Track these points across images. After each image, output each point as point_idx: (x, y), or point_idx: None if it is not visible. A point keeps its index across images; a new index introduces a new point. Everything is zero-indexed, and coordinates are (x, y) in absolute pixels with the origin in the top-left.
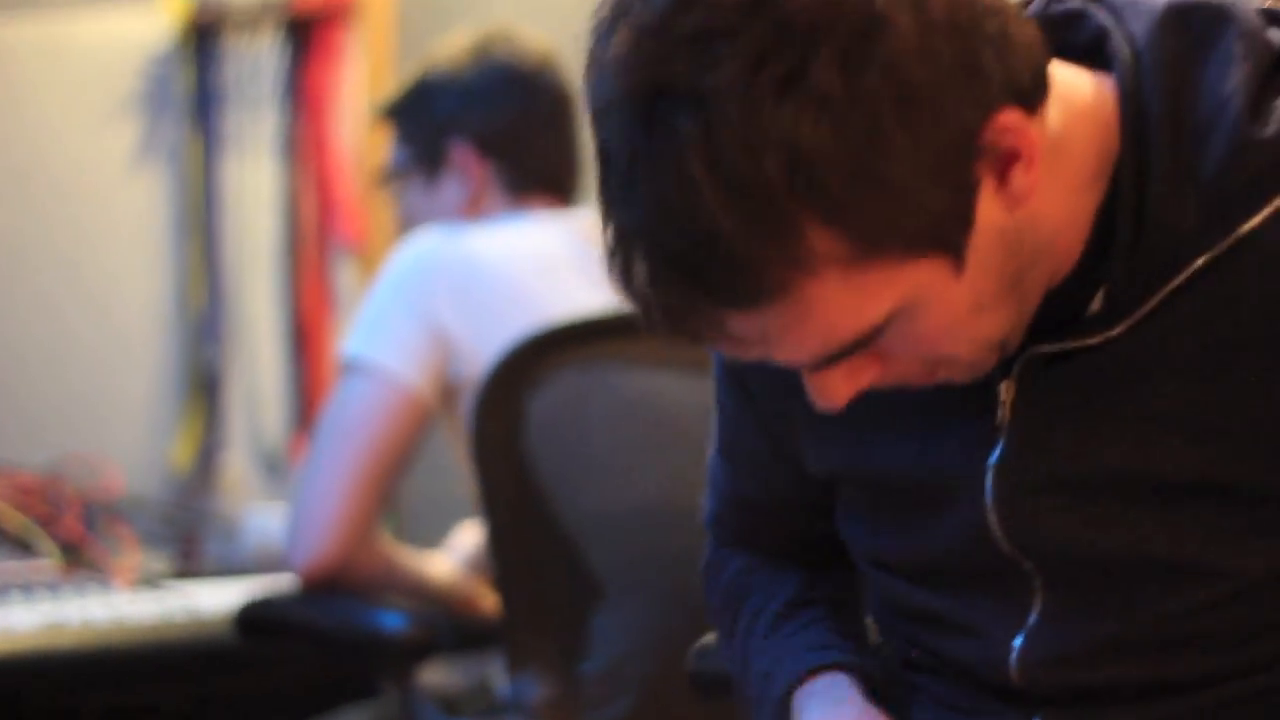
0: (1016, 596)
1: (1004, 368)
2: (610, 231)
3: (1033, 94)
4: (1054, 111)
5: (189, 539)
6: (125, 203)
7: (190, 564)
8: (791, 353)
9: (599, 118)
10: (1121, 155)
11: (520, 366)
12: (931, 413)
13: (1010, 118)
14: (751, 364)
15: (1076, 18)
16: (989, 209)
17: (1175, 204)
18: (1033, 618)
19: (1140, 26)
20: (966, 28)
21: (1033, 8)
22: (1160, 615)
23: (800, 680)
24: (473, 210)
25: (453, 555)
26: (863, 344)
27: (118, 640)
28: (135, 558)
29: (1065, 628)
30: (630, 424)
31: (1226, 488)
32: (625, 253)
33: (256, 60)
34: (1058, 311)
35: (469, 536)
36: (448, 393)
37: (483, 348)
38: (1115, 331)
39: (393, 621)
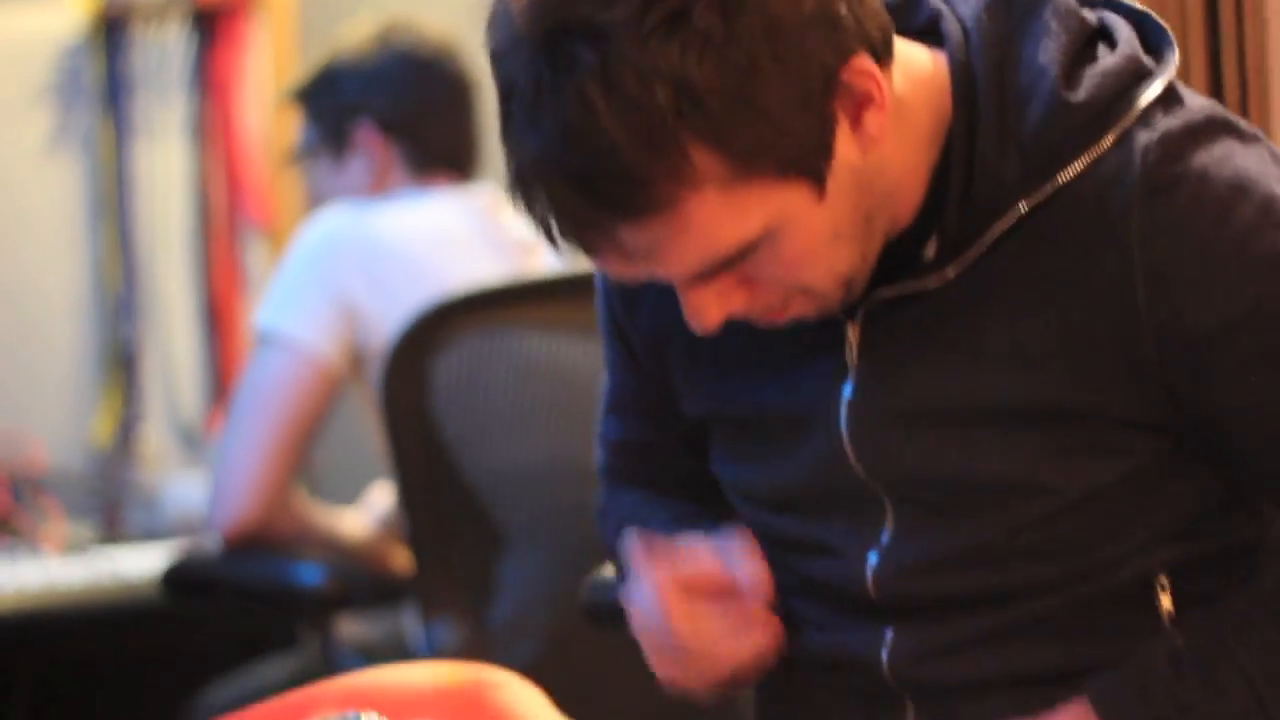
0: (870, 518)
1: (850, 312)
2: (515, 162)
3: (883, 51)
4: (898, 77)
5: (112, 508)
6: (41, 189)
7: (114, 531)
8: (674, 266)
9: (504, 57)
10: (954, 119)
11: (424, 333)
12: (790, 355)
13: (864, 63)
14: (632, 322)
15: (914, 3)
16: (846, 147)
17: (1000, 159)
18: (885, 536)
19: (968, 9)
20: None
21: None
22: (996, 530)
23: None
24: (378, 188)
25: (366, 514)
26: (737, 258)
27: (49, 603)
28: (62, 527)
29: (913, 544)
30: (528, 385)
31: (1051, 412)
32: (528, 180)
33: (164, 50)
34: (897, 260)
35: (381, 496)
36: (356, 361)
37: (389, 317)
38: (948, 274)
39: (311, 575)
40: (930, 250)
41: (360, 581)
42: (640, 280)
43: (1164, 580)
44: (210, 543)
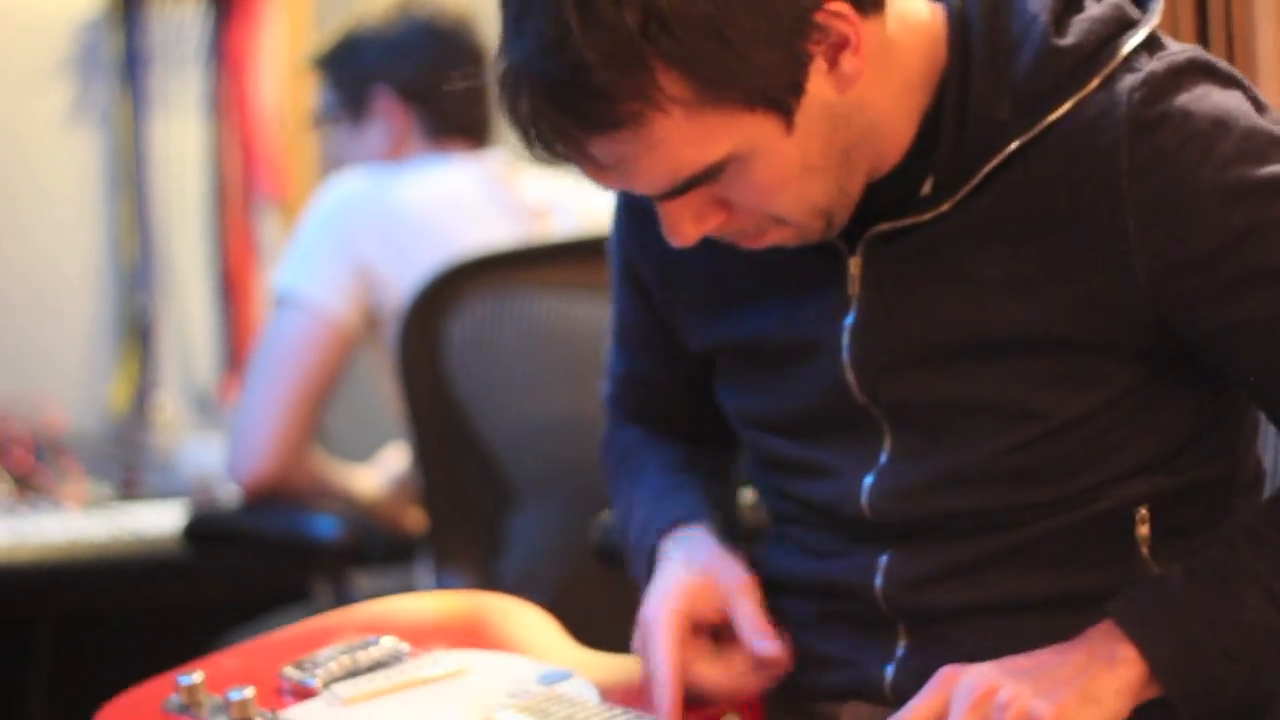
0: (868, 440)
1: (852, 245)
2: (501, 69)
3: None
4: (893, 24)
5: (129, 469)
6: (60, 162)
7: (131, 491)
8: (642, 181)
9: None
10: (949, 65)
11: (439, 294)
12: (794, 287)
13: (840, 6)
14: (644, 256)
15: None
16: (820, 85)
17: (992, 100)
18: (882, 458)
19: None
20: None
21: None
22: (989, 452)
23: (671, 526)
24: (395, 154)
25: (380, 474)
26: (703, 178)
27: (71, 556)
28: (82, 485)
29: (909, 466)
30: (539, 344)
31: (1043, 340)
32: (513, 85)
33: (182, 25)
34: (893, 198)
35: (395, 457)
36: (372, 322)
37: (403, 279)
38: (944, 208)
39: (326, 527)
40: (927, 187)
41: (374, 536)
42: (615, 189)
43: (1143, 511)
44: (225, 499)
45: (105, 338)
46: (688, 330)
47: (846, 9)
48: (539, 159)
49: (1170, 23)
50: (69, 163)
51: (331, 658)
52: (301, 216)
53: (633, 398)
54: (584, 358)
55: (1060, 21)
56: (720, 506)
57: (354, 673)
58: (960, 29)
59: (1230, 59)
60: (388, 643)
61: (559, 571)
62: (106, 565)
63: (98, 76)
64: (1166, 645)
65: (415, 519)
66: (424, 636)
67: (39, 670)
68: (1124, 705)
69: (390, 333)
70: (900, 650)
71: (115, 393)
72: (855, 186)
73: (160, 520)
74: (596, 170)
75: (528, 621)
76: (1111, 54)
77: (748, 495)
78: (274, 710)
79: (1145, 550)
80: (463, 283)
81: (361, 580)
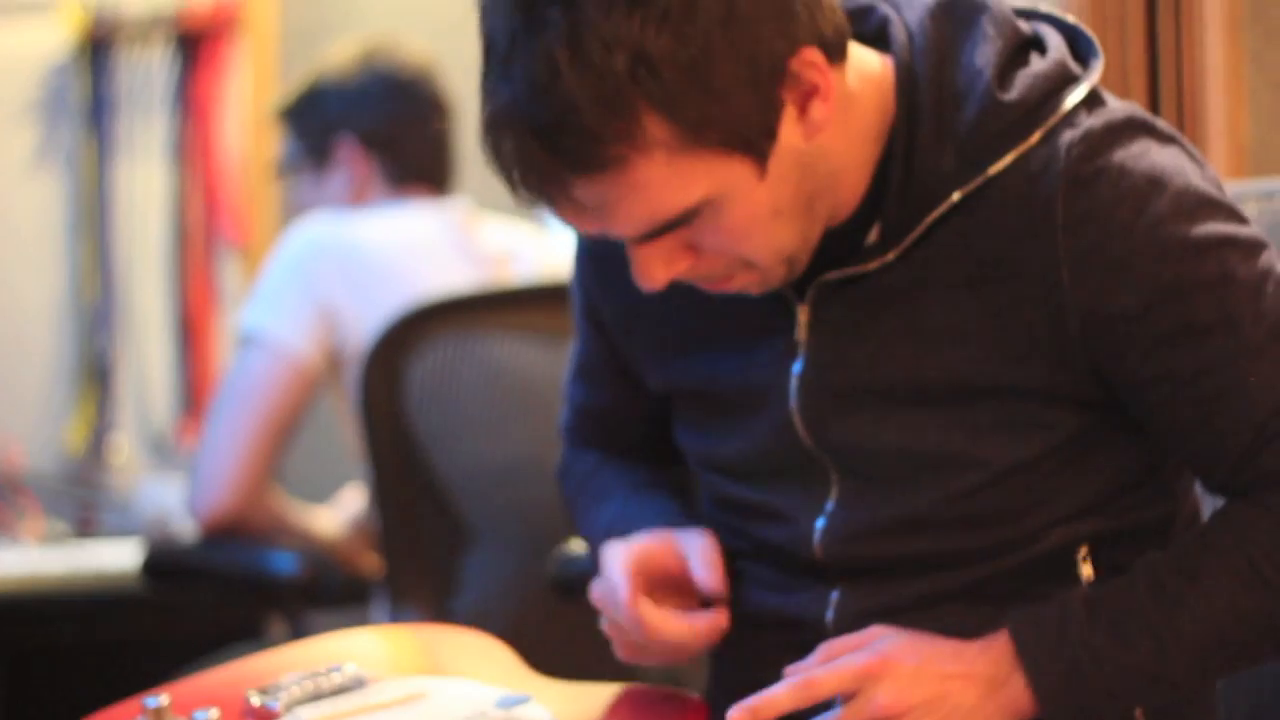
0: (817, 485)
1: (801, 293)
2: (487, 112)
3: (835, 47)
4: (851, 76)
5: (86, 507)
6: (24, 203)
7: (89, 529)
8: (622, 223)
9: (487, 12)
10: (896, 116)
11: (400, 337)
12: (746, 333)
13: (813, 55)
14: (604, 296)
15: (867, 11)
16: (790, 132)
17: (936, 152)
18: (830, 504)
19: (914, 16)
20: None
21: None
22: (933, 499)
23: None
24: (357, 200)
25: (338, 514)
26: (680, 222)
27: (28, 590)
28: (40, 522)
29: (857, 512)
30: (498, 387)
31: (984, 389)
32: (498, 129)
33: (148, 70)
34: (842, 247)
35: (352, 498)
36: (334, 362)
37: (366, 321)
38: (889, 257)
39: (285, 563)
40: (873, 236)
41: (332, 575)
42: (594, 235)
43: (1084, 551)
44: (181, 537)
45: (64, 378)
46: (646, 370)
47: (819, 57)
48: (521, 200)
49: (1121, 85)
50: (33, 204)
51: (294, 682)
52: (263, 262)
53: (591, 427)
54: (542, 401)
55: (1004, 76)
56: (689, 516)
57: (316, 697)
58: (907, 80)
59: (1179, 117)
60: (349, 669)
61: (514, 608)
62: (63, 600)
63: (63, 119)
64: (1052, 675)
65: (371, 561)
66: (384, 664)
67: None
68: None
69: (352, 373)
70: None
71: (72, 433)
72: (816, 233)
73: (117, 557)
74: (577, 213)
75: (486, 650)
76: (1053, 109)
77: None
78: None
79: (1085, 588)
80: (424, 325)
81: (317, 619)
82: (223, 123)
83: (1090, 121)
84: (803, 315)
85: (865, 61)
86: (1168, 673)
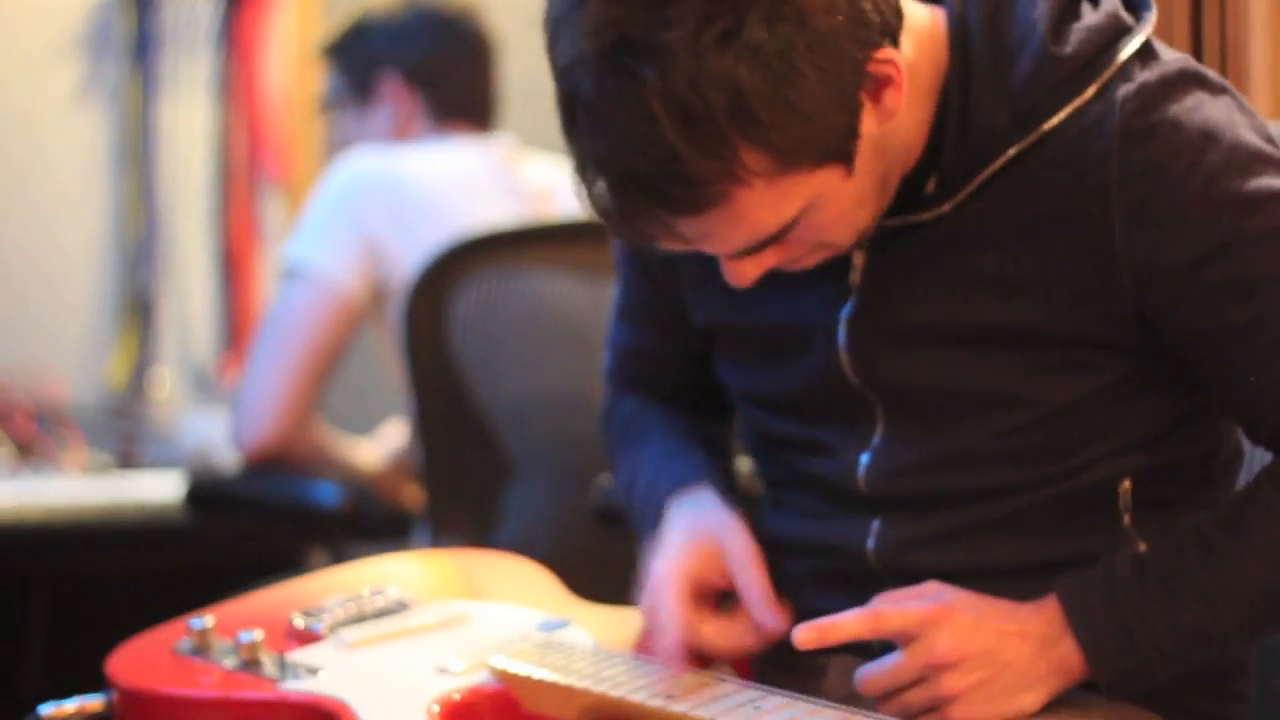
0: (863, 422)
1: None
2: (579, 157)
3: (897, 30)
4: (905, 38)
5: (129, 440)
6: (69, 139)
7: (131, 460)
8: (723, 246)
9: (569, 70)
10: (950, 71)
11: (444, 270)
12: (798, 275)
13: (886, 52)
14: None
15: None
16: (868, 124)
17: (991, 106)
18: (876, 439)
19: None
20: None
21: None
22: (981, 436)
23: (677, 487)
24: (401, 135)
25: (380, 447)
26: (779, 237)
27: (70, 519)
28: (82, 453)
29: (902, 447)
30: (540, 321)
31: (1032, 335)
32: (590, 173)
33: (193, 7)
34: (900, 196)
35: (394, 432)
36: (378, 296)
37: (410, 254)
38: (944, 209)
39: (327, 494)
40: (930, 187)
41: (374, 506)
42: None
43: (1126, 484)
44: (223, 468)
45: (107, 312)
46: (692, 305)
47: (891, 51)
48: (619, 237)
49: (1166, 31)
50: (77, 140)
51: (337, 605)
52: (305, 198)
53: (634, 370)
54: (583, 335)
55: (1058, 30)
56: (722, 472)
57: (359, 619)
58: (960, 33)
59: (1223, 68)
60: (392, 592)
61: (555, 539)
62: (106, 530)
63: (108, 56)
64: (1102, 637)
65: (412, 493)
66: (426, 588)
67: (36, 629)
68: (1057, 685)
69: (395, 307)
70: None
71: (115, 367)
72: (888, 203)
73: (159, 488)
74: (676, 241)
75: (527, 574)
76: (1107, 63)
77: (744, 464)
78: (281, 652)
79: (1127, 520)
80: (468, 260)
81: (358, 551)
82: (267, 58)
83: (1144, 75)
84: (858, 260)
85: (917, 18)
86: (1216, 630)
